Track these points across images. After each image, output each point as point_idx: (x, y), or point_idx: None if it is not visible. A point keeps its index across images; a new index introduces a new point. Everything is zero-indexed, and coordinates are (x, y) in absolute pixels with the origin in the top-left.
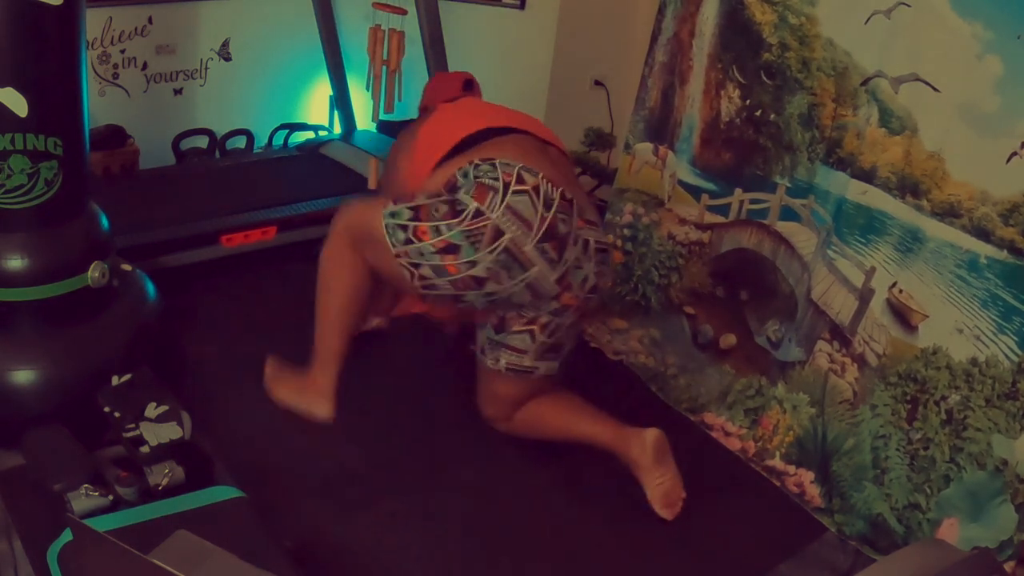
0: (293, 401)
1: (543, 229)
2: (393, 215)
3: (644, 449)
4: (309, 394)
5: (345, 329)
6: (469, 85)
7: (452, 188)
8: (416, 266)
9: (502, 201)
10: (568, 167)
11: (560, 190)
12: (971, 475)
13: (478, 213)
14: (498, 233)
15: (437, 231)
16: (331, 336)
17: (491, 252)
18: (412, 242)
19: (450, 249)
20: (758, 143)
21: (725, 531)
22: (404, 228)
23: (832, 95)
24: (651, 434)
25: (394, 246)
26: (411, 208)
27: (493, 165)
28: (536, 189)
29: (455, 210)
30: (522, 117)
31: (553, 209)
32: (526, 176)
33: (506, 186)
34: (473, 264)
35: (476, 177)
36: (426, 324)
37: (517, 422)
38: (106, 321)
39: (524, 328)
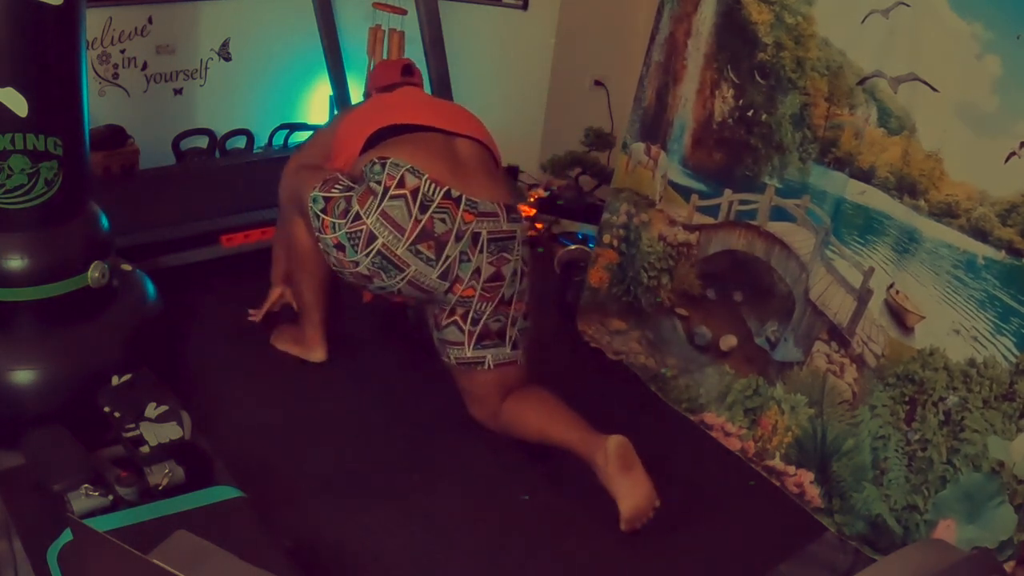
0: (291, 350)
1: (416, 232)
2: (314, 200)
3: (607, 457)
4: (302, 345)
5: (312, 285)
6: (408, 71)
7: (363, 181)
8: (327, 254)
9: (378, 207)
10: (478, 158)
11: (444, 189)
12: (967, 477)
13: (357, 217)
14: (372, 237)
15: (334, 228)
16: (303, 293)
17: (367, 255)
18: (321, 232)
19: (340, 247)
20: (749, 143)
21: (725, 531)
22: (317, 217)
23: (825, 94)
24: (613, 441)
25: (314, 231)
26: (324, 198)
27: (383, 166)
28: (415, 192)
29: (347, 210)
30: (439, 110)
31: (429, 211)
32: (408, 179)
33: (385, 191)
34: (356, 264)
35: (368, 178)
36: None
37: (501, 422)
38: (106, 321)
39: (449, 321)
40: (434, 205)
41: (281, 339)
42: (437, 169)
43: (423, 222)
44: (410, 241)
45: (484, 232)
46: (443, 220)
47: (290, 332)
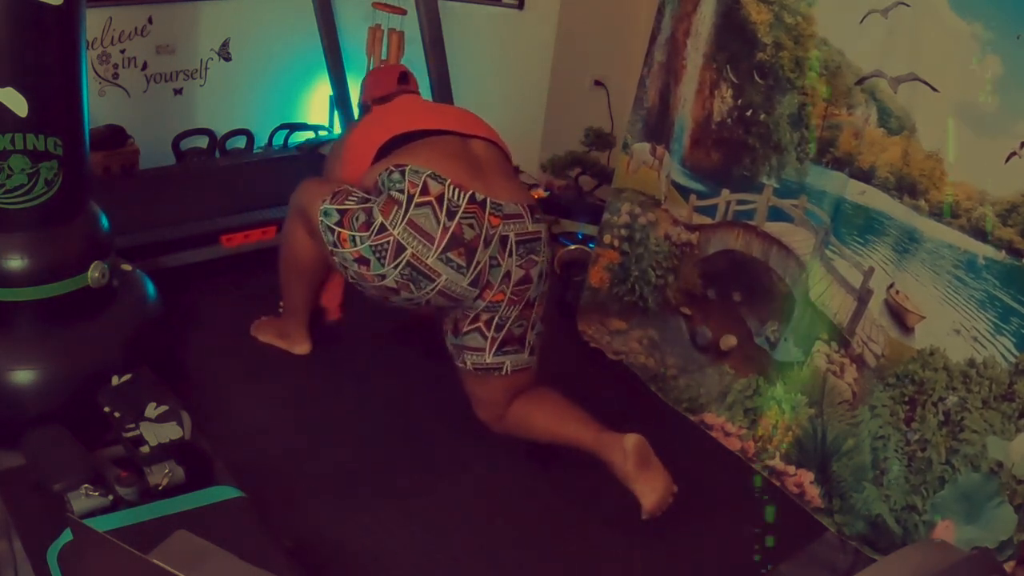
0: (275, 343)
1: (445, 240)
2: (326, 214)
3: (625, 456)
4: (286, 338)
5: (303, 290)
6: (404, 78)
7: (378, 191)
8: (344, 268)
9: (404, 216)
10: (495, 159)
11: (469, 193)
12: (965, 477)
13: (382, 228)
14: (400, 248)
15: (354, 241)
16: (292, 295)
17: (395, 267)
18: (336, 247)
19: (363, 261)
20: (746, 143)
21: (725, 531)
22: (331, 231)
23: (823, 95)
24: (631, 440)
25: (326, 244)
26: (339, 211)
27: (403, 173)
28: (440, 199)
29: (368, 222)
30: (448, 113)
31: (457, 217)
32: (431, 185)
33: (410, 199)
34: (383, 277)
35: (387, 187)
36: (425, 323)
37: (508, 423)
38: (106, 321)
39: (472, 327)
40: (461, 210)
41: (264, 331)
42: (457, 173)
43: (452, 229)
44: (440, 249)
45: (512, 235)
46: (471, 225)
47: (273, 325)
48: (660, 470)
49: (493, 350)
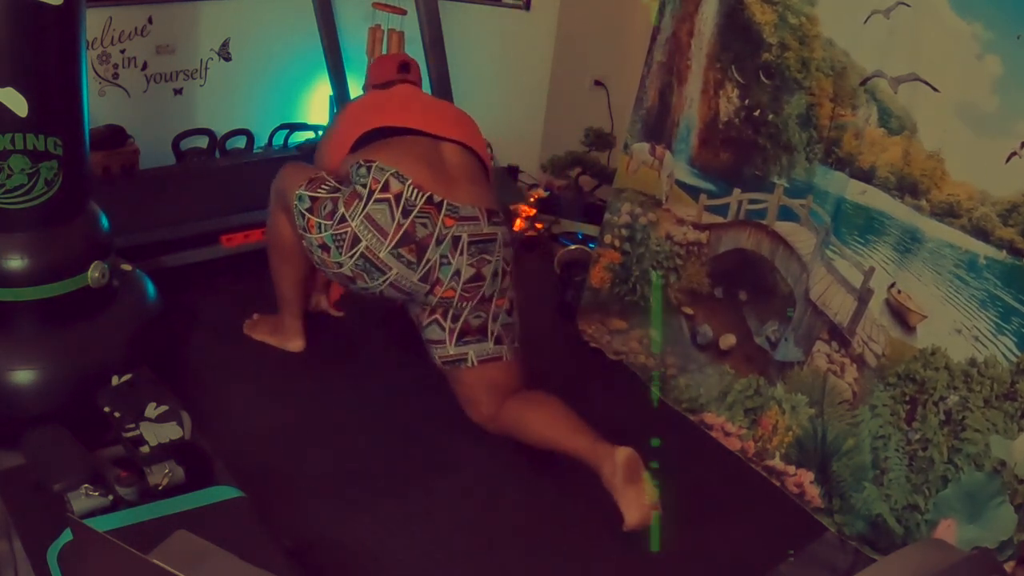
0: (269, 340)
1: (398, 236)
2: (300, 199)
3: (615, 469)
4: (280, 334)
5: (292, 277)
6: (405, 67)
7: (350, 182)
8: (311, 252)
9: (363, 209)
10: (464, 164)
11: (427, 195)
12: (968, 476)
13: (343, 219)
14: (356, 240)
15: (319, 228)
16: (283, 284)
17: (351, 257)
18: (305, 231)
19: (325, 247)
20: (756, 143)
21: (725, 531)
22: (303, 216)
23: (830, 95)
24: (622, 453)
25: (298, 228)
26: (311, 198)
27: (369, 169)
28: (398, 197)
29: (333, 212)
30: (431, 112)
31: (412, 216)
32: (392, 183)
33: (370, 193)
34: (340, 265)
35: (355, 181)
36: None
37: (501, 424)
38: (106, 321)
39: (430, 319)
40: (416, 210)
41: (257, 329)
42: (421, 174)
43: (405, 226)
44: (392, 245)
45: (465, 236)
46: (424, 224)
47: (266, 322)
48: (648, 487)
49: (453, 341)
